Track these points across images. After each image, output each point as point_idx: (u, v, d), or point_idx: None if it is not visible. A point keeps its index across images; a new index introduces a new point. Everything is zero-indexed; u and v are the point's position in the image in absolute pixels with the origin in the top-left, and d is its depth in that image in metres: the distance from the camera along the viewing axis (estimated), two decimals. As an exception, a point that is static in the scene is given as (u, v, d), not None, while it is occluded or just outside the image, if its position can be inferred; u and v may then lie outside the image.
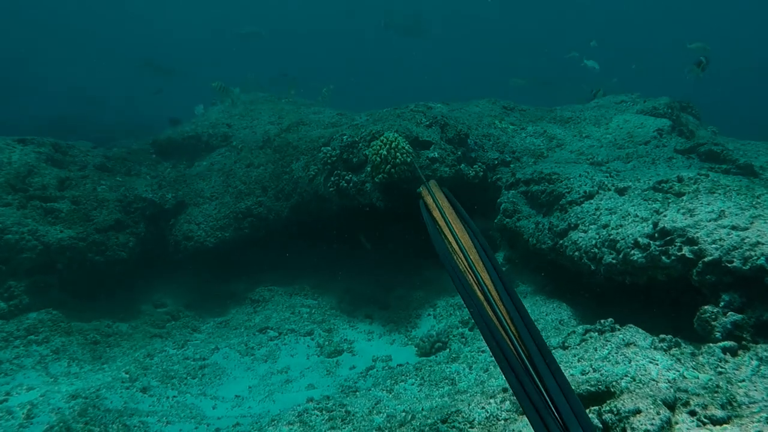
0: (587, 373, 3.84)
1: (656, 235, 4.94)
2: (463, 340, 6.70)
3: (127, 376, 6.53)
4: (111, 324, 8.14)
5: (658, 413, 3.17)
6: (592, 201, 6.27)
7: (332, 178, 8.21)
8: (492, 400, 3.96)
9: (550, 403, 1.45)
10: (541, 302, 6.50)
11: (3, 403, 5.88)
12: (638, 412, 3.20)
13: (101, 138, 13.54)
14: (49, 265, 8.10)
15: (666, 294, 5.08)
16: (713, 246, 4.45)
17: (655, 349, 4.12)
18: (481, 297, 1.77)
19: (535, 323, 4.95)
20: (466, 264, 1.89)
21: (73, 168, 9.52)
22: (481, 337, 6.33)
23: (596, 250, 5.53)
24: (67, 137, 11.12)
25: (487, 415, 3.82)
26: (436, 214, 2.18)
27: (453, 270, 1.91)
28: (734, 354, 4.06)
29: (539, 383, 1.50)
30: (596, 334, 4.72)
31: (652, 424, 3.12)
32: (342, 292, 8.93)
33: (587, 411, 3.43)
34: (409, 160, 7.73)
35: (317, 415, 4.99)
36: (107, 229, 8.72)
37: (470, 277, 1.85)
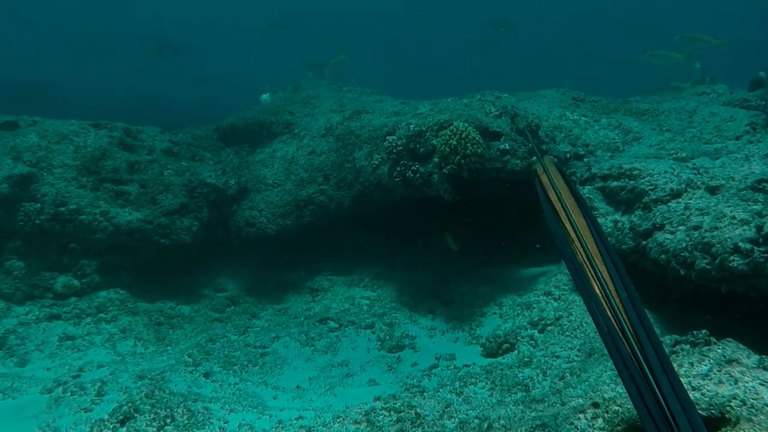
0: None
1: (760, 240, 4.56)
2: (533, 342, 6.40)
3: (191, 360, 6.51)
4: (174, 306, 8.20)
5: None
6: (679, 200, 5.86)
7: (398, 168, 7.99)
8: (582, 416, 3.67)
9: (672, 422, 1.33)
10: (620, 307, 6.15)
11: (76, 378, 6.00)
12: (765, 446, 2.86)
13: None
14: (118, 246, 8.22)
15: (766, 304, 4.70)
16: (830, 254, 4.06)
17: (765, 369, 3.75)
18: (599, 293, 1.64)
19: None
20: (583, 254, 1.76)
21: (142, 152, 9.62)
22: (555, 341, 5.99)
23: (687, 253, 5.14)
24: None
25: (578, 433, 3.54)
26: (552, 195, 2.04)
27: (570, 261, 1.82)
28: None
29: (661, 399, 1.38)
30: (688, 346, 4.34)
31: (786, 466, 2.77)
32: (402, 285, 8.75)
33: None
34: (479, 151, 7.47)
35: (385, 416, 4.79)
36: (173, 212, 8.77)
37: (588, 269, 1.72)
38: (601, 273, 1.66)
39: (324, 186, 9.38)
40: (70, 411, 5.33)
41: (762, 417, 3.02)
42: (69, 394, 5.64)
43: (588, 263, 1.71)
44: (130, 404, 5.11)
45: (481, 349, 6.73)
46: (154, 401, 5.20)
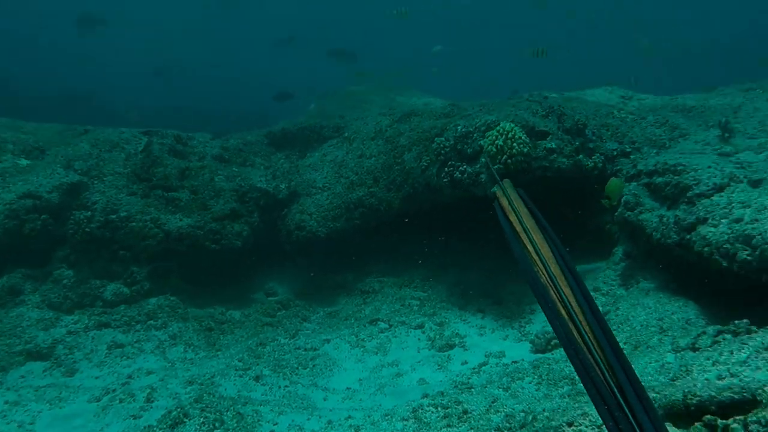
0: (724, 378, 3.50)
1: (800, 230, 4.36)
2: (581, 337, 6.22)
3: (241, 363, 6.49)
4: (224, 311, 8.22)
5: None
6: (722, 194, 5.93)
7: (446, 169, 7.97)
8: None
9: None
10: (666, 300, 6.12)
11: (125, 385, 6.03)
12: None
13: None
14: (168, 252, 8.27)
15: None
16: None
17: (803, 354, 3.66)
18: (565, 314, 1.65)
19: (660, 322, 4.43)
20: (547, 276, 1.78)
21: (193, 158, 9.73)
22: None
23: (729, 246, 5.22)
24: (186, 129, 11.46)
25: (617, 420, 3.38)
26: (513, 218, 2.07)
27: (534, 284, 1.81)
28: None
29: (631, 417, 1.40)
30: (730, 335, 4.49)
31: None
32: (452, 285, 8.63)
33: (731, 420, 3.07)
34: (525, 150, 7.49)
35: (432, 412, 4.82)
36: (223, 218, 8.80)
37: (552, 292, 1.74)
38: (565, 294, 1.70)
39: (374, 188, 9.30)
40: (119, 418, 5.36)
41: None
42: (118, 401, 5.67)
43: (551, 283, 1.75)
44: (179, 409, 5.11)
45: (531, 345, 6.66)
46: (203, 405, 5.18)
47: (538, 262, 1.84)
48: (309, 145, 11.61)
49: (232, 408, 5.21)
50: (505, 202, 2.17)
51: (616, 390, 1.45)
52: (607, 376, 1.47)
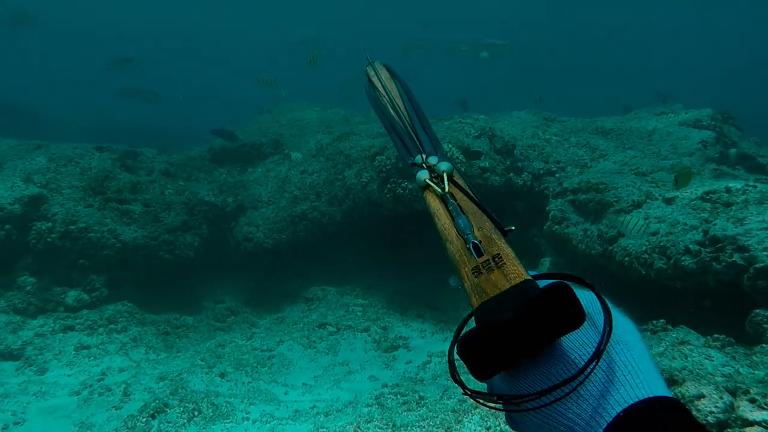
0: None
1: (706, 242, 5.31)
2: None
3: (204, 363, 7.05)
4: (178, 317, 8.70)
5: (721, 398, 3.57)
6: (640, 210, 6.63)
7: (388, 186, 8.60)
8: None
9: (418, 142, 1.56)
10: (590, 307, 6.82)
11: (101, 381, 6.48)
12: (702, 396, 3.60)
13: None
14: (124, 262, 8.70)
15: (715, 299, 5.44)
16: (765, 253, 4.82)
17: (709, 347, 4.49)
18: (394, 114, 1.80)
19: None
20: (387, 99, 1.90)
21: (142, 173, 10.19)
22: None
23: (646, 255, 5.88)
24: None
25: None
26: (375, 79, 2.07)
27: (375, 102, 1.92)
28: (787, 354, 4.40)
29: (416, 138, 1.59)
30: (649, 333, 5.03)
31: (716, 407, 3.51)
32: (391, 293, 9.35)
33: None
34: (462, 169, 8.15)
35: (393, 399, 5.51)
36: (175, 229, 9.31)
37: (387, 102, 1.88)
38: (397, 103, 1.81)
39: (317, 203, 10.00)
40: (101, 409, 5.86)
41: (703, 379, 3.76)
42: (97, 395, 6.15)
43: (389, 100, 1.86)
44: (158, 401, 5.69)
45: (469, 347, 7.35)
46: (180, 397, 5.78)
47: (385, 94, 1.90)
48: (249, 161, 12.17)
49: (206, 399, 5.83)
50: (372, 72, 2.46)
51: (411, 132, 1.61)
52: (407, 126, 1.66)
